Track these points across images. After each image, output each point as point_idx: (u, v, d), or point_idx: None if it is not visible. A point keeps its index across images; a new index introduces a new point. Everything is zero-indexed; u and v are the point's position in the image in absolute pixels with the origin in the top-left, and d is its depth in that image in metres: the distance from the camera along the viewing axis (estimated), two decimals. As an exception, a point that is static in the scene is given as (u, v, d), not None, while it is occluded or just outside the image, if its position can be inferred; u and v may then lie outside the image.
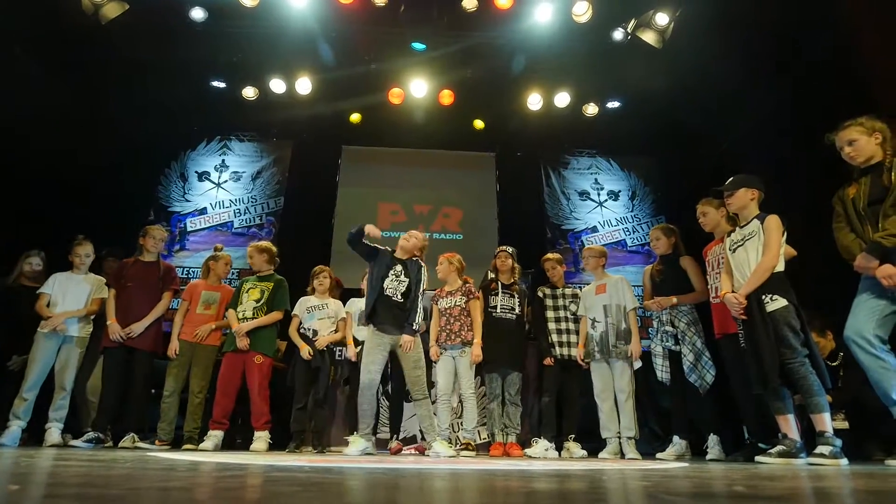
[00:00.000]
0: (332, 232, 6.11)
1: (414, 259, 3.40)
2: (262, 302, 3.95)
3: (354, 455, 3.06)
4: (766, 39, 4.51)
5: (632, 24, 5.33)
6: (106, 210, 5.14)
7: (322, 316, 4.04)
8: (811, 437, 2.65)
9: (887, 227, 2.41)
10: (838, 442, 2.50)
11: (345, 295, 4.37)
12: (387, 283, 3.23)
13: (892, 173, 2.48)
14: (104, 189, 5.26)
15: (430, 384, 4.15)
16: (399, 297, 3.26)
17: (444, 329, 3.81)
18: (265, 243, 4.28)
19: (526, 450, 3.82)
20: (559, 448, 3.85)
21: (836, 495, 1.13)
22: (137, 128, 5.53)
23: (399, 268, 3.30)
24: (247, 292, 4.01)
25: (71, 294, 3.88)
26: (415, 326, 3.27)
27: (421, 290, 3.33)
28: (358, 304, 3.99)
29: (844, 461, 2.44)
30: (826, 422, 2.52)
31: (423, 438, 3.85)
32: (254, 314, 3.89)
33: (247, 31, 5.36)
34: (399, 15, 5.10)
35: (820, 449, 2.47)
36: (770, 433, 3.09)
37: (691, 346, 3.40)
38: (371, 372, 3.16)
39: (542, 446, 3.73)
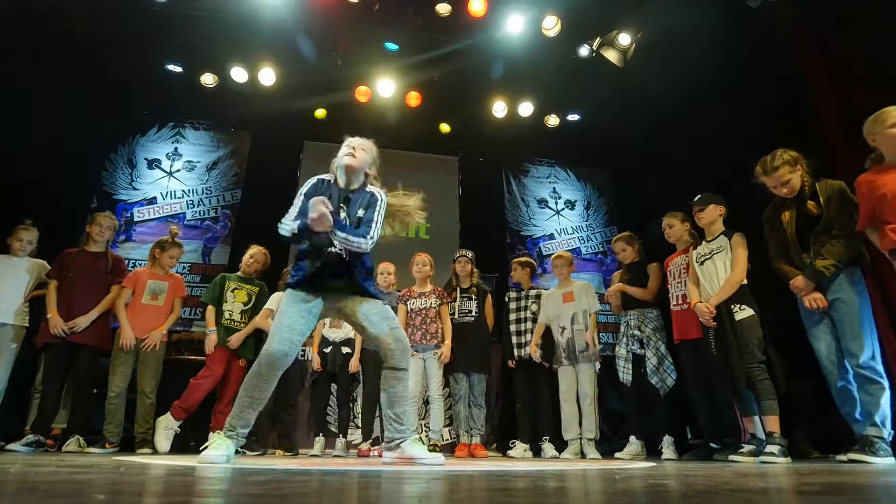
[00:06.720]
0: (292, 228, 5.91)
1: None
2: (249, 306, 3.93)
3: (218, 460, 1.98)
4: (717, 67, 4.84)
5: (597, 41, 5.56)
6: (42, 194, 4.72)
7: None
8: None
9: (826, 256, 2.63)
10: (784, 442, 2.74)
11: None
12: None
13: (820, 199, 2.71)
14: (39, 171, 4.82)
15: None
16: None
17: (420, 328, 3.82)
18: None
19: (508, 451, 3.94)
20: (537, 450, 3.95)
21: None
22: (81, 108, 5.13)
23: None
24: (232, 292, 3.93)
25: (7, 280, 3.58)
26: None
27: None
28: None
29: (789, 458, 2.67)
30: (776, 423, 2.75)
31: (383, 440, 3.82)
32: (241, 317, 3.88)
33: (210, 16, 5.12)
34: (373, 13, 5.05)
35: (770, 448, 2.69)
36: (721, 434, 3.32)
37: (655, 351, 3.59)
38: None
39: (520, 448, 3.85)
